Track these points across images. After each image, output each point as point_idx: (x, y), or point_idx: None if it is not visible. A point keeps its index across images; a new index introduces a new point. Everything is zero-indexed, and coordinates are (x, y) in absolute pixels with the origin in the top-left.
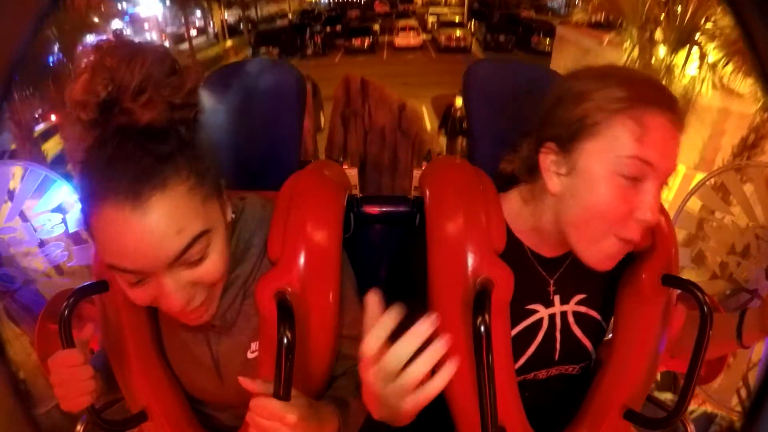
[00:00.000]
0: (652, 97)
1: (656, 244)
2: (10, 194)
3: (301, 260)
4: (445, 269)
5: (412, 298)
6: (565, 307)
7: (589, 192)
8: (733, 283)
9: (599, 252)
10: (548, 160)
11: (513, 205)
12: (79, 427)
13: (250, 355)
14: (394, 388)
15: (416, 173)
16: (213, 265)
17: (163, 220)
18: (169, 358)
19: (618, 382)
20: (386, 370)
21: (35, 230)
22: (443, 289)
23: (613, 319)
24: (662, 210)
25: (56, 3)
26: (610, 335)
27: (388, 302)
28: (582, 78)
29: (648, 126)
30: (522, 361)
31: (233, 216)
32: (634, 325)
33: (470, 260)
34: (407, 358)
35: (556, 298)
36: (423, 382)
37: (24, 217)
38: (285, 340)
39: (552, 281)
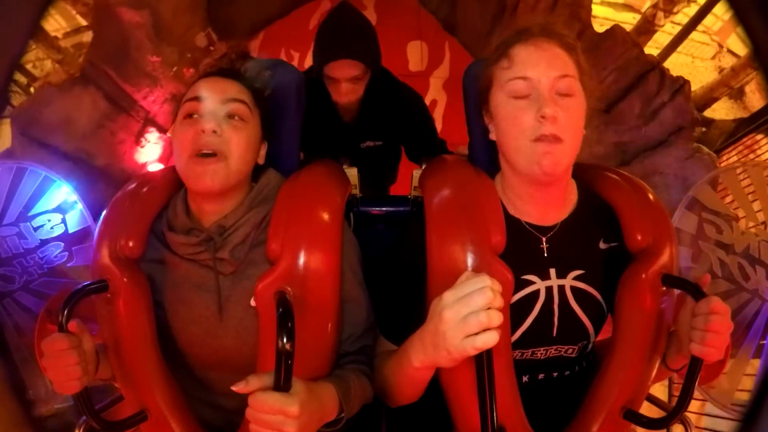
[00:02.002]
0: (516, 38)
1: (656, 244)
2: (10, 194)
3: (301, 261)
4: (445, 270)
5: (410, 295)
6: (562, 281)
7: (500, 122)
8: (734, 283)
9: (530, 158)
10: (486, 120)
11: (501, 179)
12: (78, 429)
13: (252, 303)
14: (461, 323)
15: (416, 173)
16: (236, 137)
17: (234, 85)
18: (171, 314)
19: (618, 382)
20: (462, 306)
21: (35, 230)
22: (443, 290)
23: (613, 317)
24: (662, 210)
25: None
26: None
27: (387, 299)
28: None
29: (514, 55)
30: (518, 333)
31: (260, 164)
32: (634, 324)
33: (470, 261)
34: (479, 308)
35: (552, 271)
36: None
37: (24, 217)
38: (284, 341)
39: (545, 248)
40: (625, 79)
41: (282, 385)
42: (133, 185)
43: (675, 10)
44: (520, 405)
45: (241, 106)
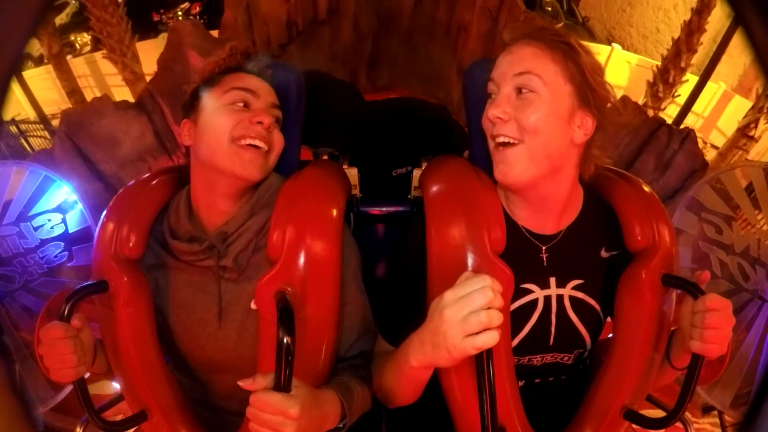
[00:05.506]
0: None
1: (656, 244)
2: (11, 194)
3: (301, 261)
4: (445, 270)
5: (410, 296)
6: (561, 291)
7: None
8: (734, 283)
9: (495, 166)
10: None
11: None
12: (79, 429)
13: (253, 306)
14: (461, 322)
15: (416, 173)
16: (278, 139)
17: (273, 92)
18: (173, 317)
19: (618, 382)
20: (463, 305)
21: (35, 230)
22: (443, 289)
23: (613, 318)
24: (661, 210)
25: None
26: (610, 335)
27: (386, 300)
28: None
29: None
30: (515, 341)
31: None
32: (634, 324)
33: (470, 261)
34: (479, 308)
35: (552, 280)
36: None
37: (24, 217)
38: (285, 341)
39: (545, 257)
40: (638, 139)
41: (282, 383)
42: (133, 186)
43: (663, 106)
44: (520, 405)
45: (280, 113)
